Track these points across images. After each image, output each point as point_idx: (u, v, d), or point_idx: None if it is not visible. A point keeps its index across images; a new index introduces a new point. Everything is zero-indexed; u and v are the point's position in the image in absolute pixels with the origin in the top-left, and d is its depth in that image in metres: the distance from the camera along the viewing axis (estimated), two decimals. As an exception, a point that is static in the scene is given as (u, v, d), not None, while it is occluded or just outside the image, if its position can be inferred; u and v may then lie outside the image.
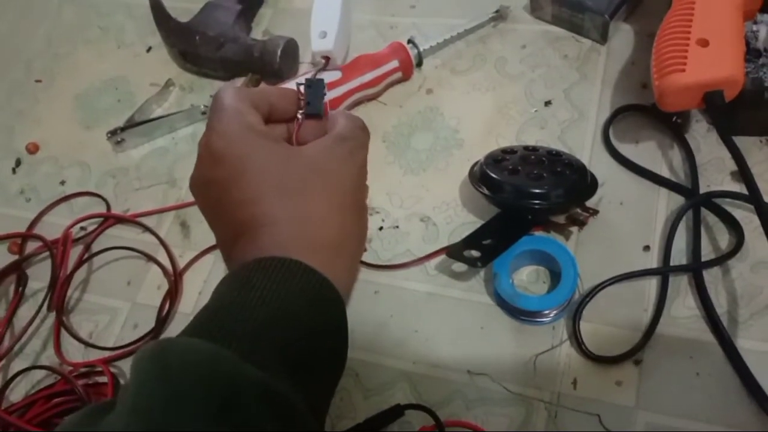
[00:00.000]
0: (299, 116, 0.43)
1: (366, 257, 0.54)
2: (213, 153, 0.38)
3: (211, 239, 0.56)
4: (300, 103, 0.43)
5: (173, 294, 0.55)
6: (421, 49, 0.62)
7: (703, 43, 0.47)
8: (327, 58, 0.59)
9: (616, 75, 0.59)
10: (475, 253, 0.47)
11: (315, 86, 0.44)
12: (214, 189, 0.39)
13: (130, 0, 0.75)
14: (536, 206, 0.48)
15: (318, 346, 0.35)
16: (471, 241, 0.49)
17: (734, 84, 0.46)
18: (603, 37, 0.60)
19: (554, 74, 0.60)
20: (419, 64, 0.63)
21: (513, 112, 0.59)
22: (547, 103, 0.59)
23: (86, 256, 0.58)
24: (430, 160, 0.58)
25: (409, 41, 0.62)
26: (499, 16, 0.64)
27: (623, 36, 0.61)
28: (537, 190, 0.48)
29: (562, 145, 0.56)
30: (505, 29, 0.64)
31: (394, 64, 0.61)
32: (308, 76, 0.56)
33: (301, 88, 0.43)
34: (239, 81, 0.64)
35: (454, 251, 0.47)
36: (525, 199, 0.48)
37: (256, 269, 0.35)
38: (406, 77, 0.63)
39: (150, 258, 0.57)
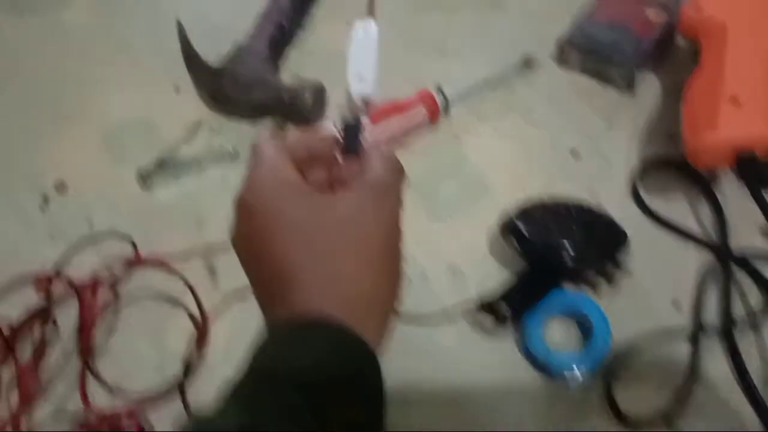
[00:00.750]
0: (338, 156, 0.43)
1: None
2: (248, 209, 0.39)
3: (239, 283, 0.57)
4: (338, 143, 0.43)
5: (201, 340, 0.55)
6: (449, 97, 0.63)
7: (735, 101, 0.48)
8: (365, 101, 0.60)
9: (645, 125, 0.60)
10: (505, 308, 0.47)
11: (353, 125, 0.44)
12: (248, 244, 0.39)
13: (161, 39, 0.76)
14: (567, 263, 0.48)
15: (355, 402, 0.35)
16: (501, 295, 0.49)
17: (767, 144, 0.47)
18: (630, 87, 0.61)
19: (582, 124, 0.61)
20: (447, 110, 0.63)
21: (540, 161, 0.59)
22: (575, 153, 0.59)
23: (113, 299, 0.59)
24: (458, 208, 0.58)
25: (438, 89, 0.63)
26: (526, 64, 0.64)
27: (650, 86, 0.62)
28: (568, 247, 0.48)
29: (591, 197, 0.56)
30: (532, 77, 0.65)
31: (422, 111, 0.62)
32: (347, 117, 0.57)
33: (339, 127, 0.43)
34: (267, 128, 0.65)
35: (483, 305, 0.47)
36: (556, 255, 0.49)
37: (287, 332, 0.35)
38: (433, 124, 0.63)
39: (177, 303, 0.58)
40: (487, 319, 0.50)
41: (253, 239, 0.38)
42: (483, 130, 0.62)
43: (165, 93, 0.73)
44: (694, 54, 0.61)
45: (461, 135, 0.63)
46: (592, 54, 0.61)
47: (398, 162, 0.42)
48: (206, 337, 0.55)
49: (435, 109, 0.62)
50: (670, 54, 0.63)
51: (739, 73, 0.48)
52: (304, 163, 0.42)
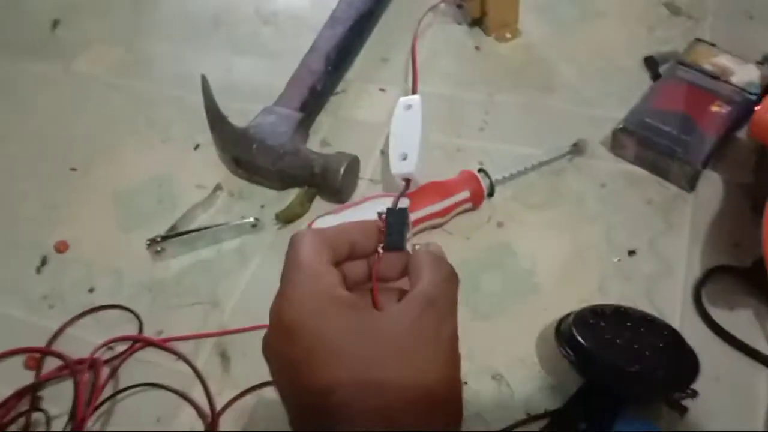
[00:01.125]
0: (380, 250, 0.38)
1: (431, 417, 0.48)
2: (285, 325, 0.33)
3: (254, 376, 0.51)
4: (380, 235, 0.38)
5: (209, 440, 0.49)
6: (494, 179, 0.58)
7: (827, 221, 0.43)
8: (408, 180, 0.55)
9: (706, 228, 0.55)
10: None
11: (397, 216, 0.39)
12: (285, 363, 0.33)
13: (181, 93, 0.71)
14: (633, 389, 0.43)
15: None
16: (561, 425, 0.43)
17: None
18: (691, 186, 0.56)
19: (638, 220, 0.56)
20: (491, 194, 0.59)
21: (593, 259, 0.54)
22: (631, 253, 0.54)
23: (112, 384, 0.52)
24: (502, 306, 0.53)
25: (480, 170, 0.58)
26: (577, 149, 0.60)
27: (711, 184, 0.57)
28: (634, 370, 0.43)
29: (649, 303, 0.51)
30: (582, 164, 0.60)
31: (465, 194, 0.57)
32: (387, 203, 0.51)
33: (382, 216, 0.38)
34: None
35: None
36: (621, 378, 0.43)
37: None
38: (475, 207, 0.58)
39: (183, 396, 0.51)
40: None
41: (291, 359, 0.33)
42: (529, 219, 0.58)
43: (183, 149, 0.68)
44: (760, 150, 0.57)
45: (506, 222, 0.58)
46: (650, 145, 0.57)
47: (450, 267, 0.37)
48: (216, 437, 0.49)
49: (479, 193, 0.57)
50: (732, 150, 0.59)
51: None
52: (344, 258, 0.37)
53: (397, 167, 0.55)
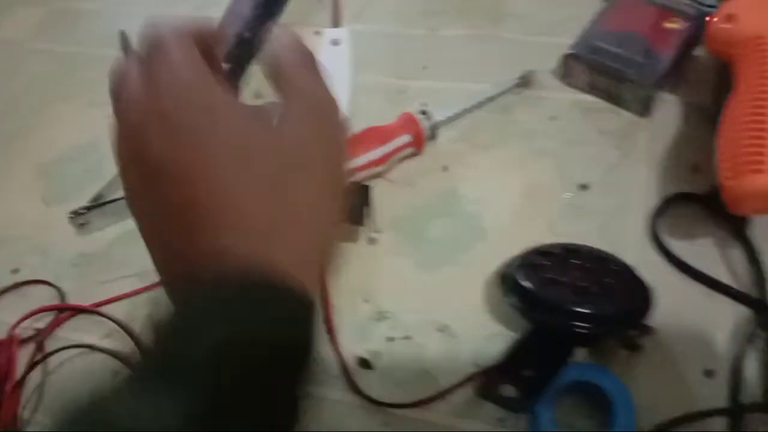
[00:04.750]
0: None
1: (375, 378, 0.45)
2: (165, 118, 0.27)
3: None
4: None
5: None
6: (436, 121, 0.54)
7: (783, 135, 0.40)
8: None
9: (663, 155, 0.51)
10: (513, 392, 0.38)
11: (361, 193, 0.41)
12: (160, 166, 0.27)
13: (108, 52, 0.66)
14: (582, 330, 0.40)
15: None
16: (505, 371, 0.40)
17: (822, 187, 0.39)
18: (646, 111, 0.52)
19: (591, 152, 0.52)
20: (433, 137, 0.55)
21: (544, 197, 0.51)
22: (584, 187, 0.51)
23: (38, 358, 0.50)
24: (449, 254, 0.50)
25: (422, 111, 0.54)
26: (525, 81, 0.56)
27: (668, 109, 0.53)
28: (583, 310, 0.40)
29: (604, 240, 0.48)
30: (531, 97, 0.56)
31: (406, 138, 0.53)
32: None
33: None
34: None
35: (485, 390, 0.38)
36: (569, 320, 0.40)
37: (215, 292, 0.26)
38: (418, 152, 0.55)
39: (120, 358, 0.48)
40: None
41: (170, 160, 0.27)
42: (477, 161, 0.54)
43: (110, 113, 0.63)
44: (721, 69, 0.53)
45: (452, 166, 0.54)
46: (601, 70, 0.53)
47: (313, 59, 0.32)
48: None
49: (421, 136, 0.53)
50: (690, 70, 0.55)
51: (786, 100, 0.41)
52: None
53: None
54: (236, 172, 0.27)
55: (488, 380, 0.39)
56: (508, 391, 0.38)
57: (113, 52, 0.43)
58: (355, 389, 0.45)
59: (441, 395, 0.43)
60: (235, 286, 0.26)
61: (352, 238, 0.51)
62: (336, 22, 0.62)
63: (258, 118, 0.29)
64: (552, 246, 0.45)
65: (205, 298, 0.26)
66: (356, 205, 0.46)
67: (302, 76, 0.31)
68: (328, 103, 0.32)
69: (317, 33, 0.59)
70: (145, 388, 0.25)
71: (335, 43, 0.55)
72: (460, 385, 0.43)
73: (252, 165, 0.28)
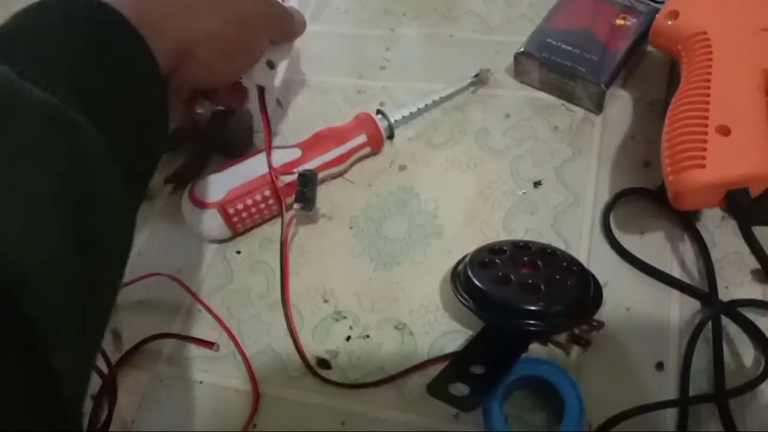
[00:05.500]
0: (295, 207, 0.49)
1: (333, 377, 0.45)
2: None
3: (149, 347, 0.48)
4: None
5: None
6: (392, 121, 0.54)
7: (724, 131, 0.40)
8: (262, 89, 0.51)
9: (614, 150, 0.52)
10: (463, 389, 0.39)
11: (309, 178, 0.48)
12: None
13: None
14: (531, 327, 0.40)
15: (117, 89, 0.34)
16: (456, 369, 0.40)
17: (763, 180, 0.40)
18: (598, 107, 0.53)
19: (543, 149, 0.53)
20: (390, 136, 0.55)
21: (498, 194, 0.51)
22: (537, 184, 0.51)
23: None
24: (405, 252, 0.50)
25: (378, 111, 0.54)
26: (479, 80, 0.56)
27: (620, 104, 0.54)
28: (532, 308, 0.40)
29: (556, 235, 0.49)
30: (486, 95, 0.57)
31: (362, 138, 0.53)
32: (278, 156, 0.52)
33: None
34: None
35: (436, 387, 0.39)
36: (518, 317, 0.41)
37: (61, 3, 0.34)
38: (375, 152, 0.55)
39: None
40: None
41: None
42: (433, 159, 0.54)
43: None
44: (671, 65, 0.54)
45: (409, 165, 0.54)
46: (554, 70, 0.53)
47: None
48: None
49: (377, 136, 0.54)
50: (641, 65, 0.56)
51: (727, 97, 0.41)
52: None
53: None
54: None
55: (439, 379, 0.39)
56: (459, 389, 0.38)
57: None
58: (323, 379, 0.45)
59: (391, 379, 0.44)
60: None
61: (303, 221, 0.52)
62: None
63: None
64: (503, 243, 0.45)
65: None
66: (302, 191, 0.50)
67: None
68: None
69: None
70: None
71: None
72: (410, 371, 0.44)
73: None
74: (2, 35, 0.33)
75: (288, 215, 0.50)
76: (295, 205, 0.50)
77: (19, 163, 0.26)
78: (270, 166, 0.50)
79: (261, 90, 0.50)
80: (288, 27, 0.50)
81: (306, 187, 0.50)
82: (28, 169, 0.27)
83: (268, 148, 0.50)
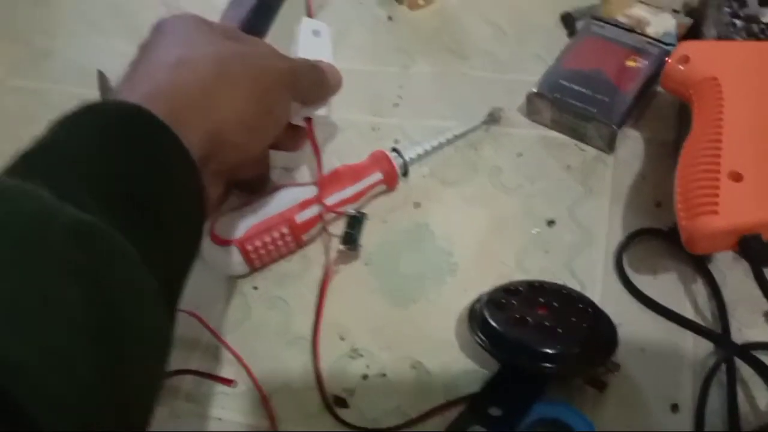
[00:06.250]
0: (341, 247, 0.52)
1: (350, 417, 0.46)
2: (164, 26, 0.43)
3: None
4: None
5: None
6: (407, 159, 0.55)
7: (736, 177, 0.41)
8: (309, 120, 0.52)
9: (626, 190, 0.53)
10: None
11: (359, 220, 0.51)
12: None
13: (83, 91, 0.67)
14: (548, 370, 0.41)
15: (154, 194, 0.35)
16: (474, 411, 0.41)
17: (775, 226, 0.40)
18: (610, 147, 0.54)
19: (556, 188, 0.54)
20: (405, 174, 0.56)
21: (512, 233, 0.52)
22: (550, 223, 0.52)
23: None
24: (421, 290, 0.51)
25: (393, 149, 0.55)
26: (492, 118, 0.57)
27: (631, 144, 0.55)
28: (549, 350, 0.41)
29: (570, 275, 0.49)
30: (498, 134, 0.58)
31: (377, 176, 0.54)
32: (297, 193, 0.53)
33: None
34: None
35: (456, 430, 0.39)
36: (535, 360, 0.41)
37: (94, 109, 0.36)
38: (390, 189, 0.56)
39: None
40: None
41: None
42: (447, 196, 0.55)
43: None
44: (681, 106, 0.54)
45: (423, 202, 0.55)
46: (566, 110, 0.54)
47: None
48: None
49: (392, 173, 0.54)
50: (651, 106, 0.57)
51: (739, 142, 0.42)
52: None
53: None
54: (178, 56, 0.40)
55: (458, 422, 0.40)
56: (478, 430, 0.39)
57: (86, 90, 0.48)
58: (341, 421, 0.45)
59: (411, 423, 0.44)
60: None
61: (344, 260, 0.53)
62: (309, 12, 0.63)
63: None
64: (519, 283, 0.46)
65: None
66: (349, 232, 0.51)
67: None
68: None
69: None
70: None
71: (316, 33, 0.56)
72: (428, 415, 0.44)
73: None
74: (40, 150, 0.34)
75: (331, 256, 0.52)
76: (341, 246, 0.51)
77: (49, 289, 0.27)
78: (323, 203, 0.52)
79: (308, 121, 0.52)
80: (319, 89, 0.50)
81: (354, 229, 0.51)
82: (59, 295, 0.27)
83: (320, 179, 0.52)
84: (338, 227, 0.53)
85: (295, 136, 0.52)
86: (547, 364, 0.41)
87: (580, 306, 0.44)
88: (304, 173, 0.58)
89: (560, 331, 0.42)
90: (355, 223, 0.51)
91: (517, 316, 0.43)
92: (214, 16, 0.66)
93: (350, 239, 0.51)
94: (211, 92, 0.39)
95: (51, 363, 0.26)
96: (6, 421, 0.24)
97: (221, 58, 0.41)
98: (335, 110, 0.59)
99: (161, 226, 0.35)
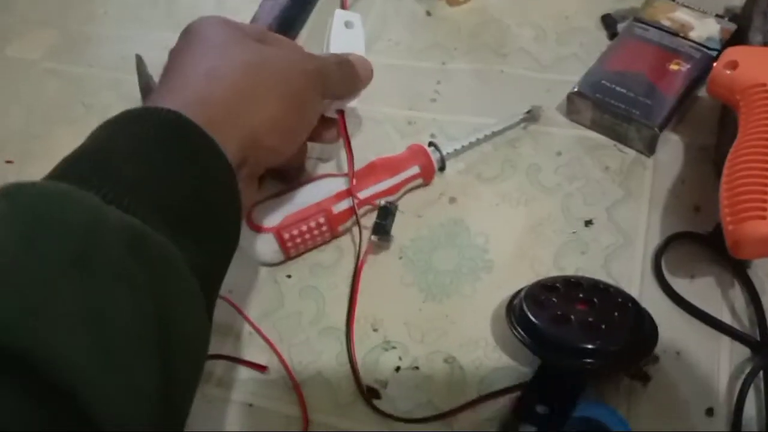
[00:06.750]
0: (372, 238, 0.52)
1: (381, 406, 0.46)
2: (195, 30, 0.44)
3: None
4: None
5: None
6: (445, 153, 0.55)
7: (785, 182, 0.41)
8: (342, 112, 0.52)
9: (665, 194, 0.52)
10: (531, 429, 0.39)
11: (390, 211, 0.51)
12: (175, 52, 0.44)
13: (120, 75, 0.68)
14: (594, 367, 0.41)
15: (195, 199, 0.35)
16: (523, 409, 0.41)
17: (823, 233, 0.40)
18: (650, 150, 0.54)
19: (594, 189, 0.54)
20: (442, 168, 0.56)
21: (549, 232, 0.52)
22: (588, 223, 0.52)
23: None
24: (456, 285, 0.51)
25: (431, 143, 0.55)
26: (531, 117, 0.57)
27: (670, 148, 0.55)
28: (594, 346, 0.41)
29: (607, 276, 0.49)
30: (537, 132, 0.58)
31: (414, 170, 0.54)
32: (334, 183, 0.53)
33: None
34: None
35: (507, 429, 0.39)
36: (580, 356, 0.41)
37: (135, 116, 0.36)
38: (426, 183, 0.56)
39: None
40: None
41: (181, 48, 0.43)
42: (483, 193, 0.55)
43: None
44: (723, 111, 0.54)
45: (459, 198, 0.55)
46: (608, 111, 0.54)
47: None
48: None
49: (429, 168, 0.54)
50: (692, 110, 0.56)
51: (788, 148, 0.42)
52: None
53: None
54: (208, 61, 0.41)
55: (509, 420, 0.40)
56: (528, 429, 0.39)
57: (122, 75, 0.48)
58: (375, 409, 0.45)
59: (443, 416, 0.44)
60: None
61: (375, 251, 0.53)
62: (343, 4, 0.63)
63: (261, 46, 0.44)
64: (556, 279, 0.46)
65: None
66: (381, 223, 0.52)
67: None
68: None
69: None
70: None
71: (349, 24, 0.56)
72: (462, 408, 0.44)
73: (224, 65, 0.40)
74: (86, 157, 0.34)
75: (363, 245, 0.52)
76: (372, 237, 0.51)
77: (100, 296, 0.27)
78: (353, 194, 0.51)
79: (341, 113, 0.52)
80: (349, 84, 0.50)
81: (385, 220, 0.51)
82: (110, 302, 0.27)
83: (351, 173, 0.52)
84: (371, 219, 0.53)
85: (330, 128, 0.52)
86: (593, 361, 0.41)
87: (620, 301, 0.44)
88: (341, 164, 0.58)
89: (604, 327, 0.42)
90: (386, 213, 0.52)
91: (559, 312, 0.43)
92: (253, 7, 0.67)
93: (381, 230, 0.51)
94: (243, 100, 0.40)
95: (113, 371, 0.26)
96: (72, 421, 0.24)
97: (250, 65, 0.41)
98: (371, 104, 0.59)
99: (202, 233, 0.35)
